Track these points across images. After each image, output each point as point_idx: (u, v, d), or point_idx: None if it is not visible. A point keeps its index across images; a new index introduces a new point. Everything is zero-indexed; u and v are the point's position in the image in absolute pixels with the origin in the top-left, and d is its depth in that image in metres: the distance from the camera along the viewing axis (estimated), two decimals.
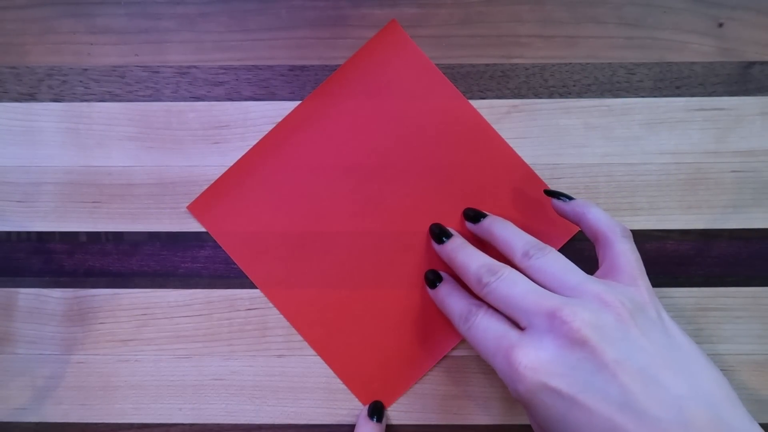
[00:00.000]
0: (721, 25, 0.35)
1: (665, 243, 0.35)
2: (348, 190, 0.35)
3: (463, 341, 0.34)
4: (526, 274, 0.29)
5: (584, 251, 0.32)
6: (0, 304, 0.35)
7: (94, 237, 0.35)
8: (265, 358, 0.35)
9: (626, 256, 0.28)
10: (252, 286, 0.35)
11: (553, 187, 0.35)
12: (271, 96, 0.35)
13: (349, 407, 0.35)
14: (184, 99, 0.35)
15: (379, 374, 0.34)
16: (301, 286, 0.35)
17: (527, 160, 0.35)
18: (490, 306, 0.29)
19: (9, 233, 0.35)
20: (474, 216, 0.33)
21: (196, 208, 0.35)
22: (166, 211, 0.35)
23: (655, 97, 0.35)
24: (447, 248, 0.32)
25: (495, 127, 0.35)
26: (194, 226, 0.35)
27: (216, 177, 0.35)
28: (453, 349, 0.35)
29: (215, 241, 0.35)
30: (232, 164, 0.35)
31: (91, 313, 0.35)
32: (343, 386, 0.35)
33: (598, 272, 0.29)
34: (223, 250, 0.35)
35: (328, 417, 0.35)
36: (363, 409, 0.34)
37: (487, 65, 0.35)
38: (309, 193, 0.34)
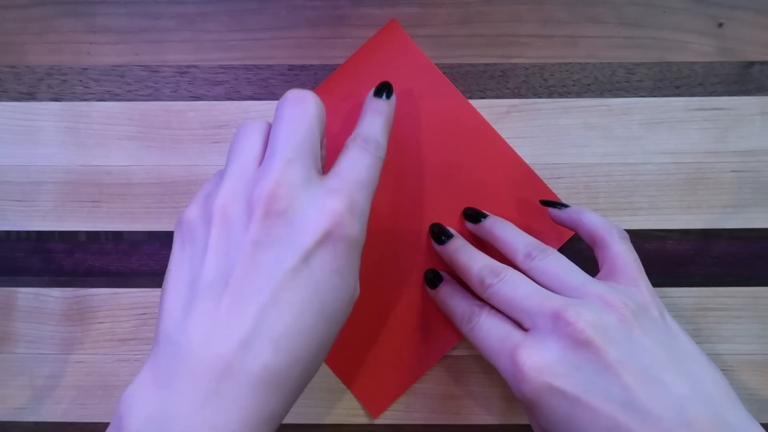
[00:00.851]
0: (720, 25, 0.35)
1: (665, 243, 0.35)
2: None
3: (462, 341, 0.34)
4: (527, 275, 0.29)
5: (583, 251, 0.32)
6: None
7: (93, 236, 0.35)
8: None
9: (625, 258, 0.29)
10: None
11: (552, 187, 0.35)
12: (271, 95, 0.35)
13: (349, 407, 0.35)
14: (184, 98, 0.35)
15: (379, 374, 0.34)
16: None
17: (527, 159, 0.35)
18: (492, 307, 0.29)
19: (8, 233, 0.35)
20: (474, 216, 0.33)
21: None
22: (165, 210, 0.35)
23: (654, 96, 0.35)
24: (448, 249, 0.32)
25: (495, 126, 0.35)
26: None
27: None
28: (453, 348, 0.34)
29: None
30: None
31: (90, 313, 0.35)
32: (343, 386, 0.35)
33: (599, 275, 0.29)
34: None
35: (328, 417, 0.35)
36: (370, 91, 0.31)
37: (486, 65, 0.35)
38: None
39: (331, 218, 0.24)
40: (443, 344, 0.34)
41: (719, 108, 0.35)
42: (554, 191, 0.35)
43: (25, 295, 0.35)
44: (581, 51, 0.35)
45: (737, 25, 0.35)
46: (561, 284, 0.28)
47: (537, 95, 0.35)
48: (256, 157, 0.26)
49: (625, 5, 0.35)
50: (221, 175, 0.26)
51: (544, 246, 0.30)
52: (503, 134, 0.35)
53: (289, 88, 0.35)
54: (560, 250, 0.34)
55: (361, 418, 0.35)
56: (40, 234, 0.35)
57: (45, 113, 0.35)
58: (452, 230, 0.33)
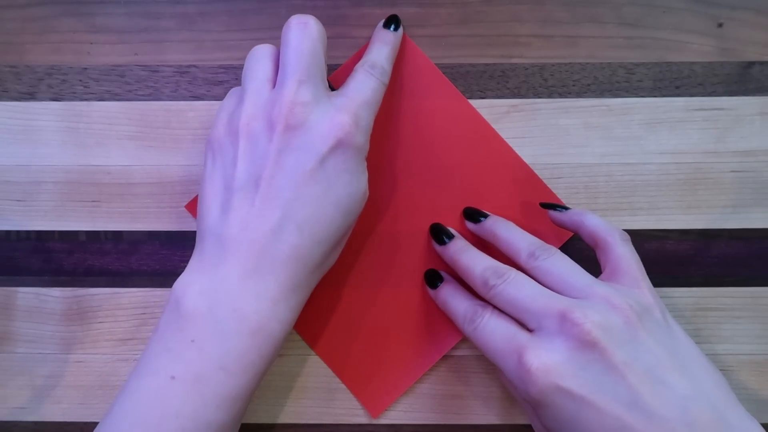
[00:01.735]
0: (720, 25, 0.35)
1: (665, 243, 0.35)
2: None
3: (463, 341, 0.34)
4: (531, 275, 0.29)
5: (584, 251, 0.32)
6: None
7: (93, 236, 0.35)
8: None
9: (627, 260, 0.29)
10: None
11: (552, 187, 0.35)
12: None
13: (348, 407, 0.35)
14: (184, 98, 0.35)
15: (379, 374, 0.34)
16: None
17: (527, 159, 0.35)
18: (494, 307, 0.29)
19: (8, 232, 0.35)
20: (474, 215, 0.33)
21: (194, 208, 0.35)
22: (165, 210, 0.35)
23: (654, 96, 0.35)
24: (449, 250, 0.32)
25: (494, 126, 0.35)
26: (193, 225, 0.35)
27: None
28: (453, 348, 0.34)
29: None
30: None
31: (90, 312, 0.35)
32: (343, 386, 0.35)
33: (601, 277, 0.30)
34: None
35: (328, 417, 0.35)
36: (379, 22, 0.34)
37: (486, 65, 0.35)
38: None
39: (340, 129, 0.28)
40: (443, 344, 0.34)
41: (719, 108, 0.35)
42: (554, 191, 0.35)
43: (25, 295, 0.35)
44: (581, 51, 0.35)
45: (737, 25, 0.35)
46: (565, 285, 0.28)
47: (537, 95, 0.35)
48: (270, 78, 0.30)
49: (625, 5, 0.35)
50: (238, 96, 0.30)
51: (548, 245, 0.30)
52: (503, 134, 0.35)
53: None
54: (560, 249, 0.34)
55: (361, 418, 0.35)
56: (40, 234, 0.35)
57: (45, 113, 0.35)
58: (453, 231, 0.33)
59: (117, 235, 0.35)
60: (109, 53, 0.35)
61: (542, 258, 0.29)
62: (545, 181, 0.35)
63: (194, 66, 0.35)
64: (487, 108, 0.35)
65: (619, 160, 0.35)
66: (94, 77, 0.35)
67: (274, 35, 0.35)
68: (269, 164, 0.27)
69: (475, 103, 0.35)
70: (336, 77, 0.35)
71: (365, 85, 0.30)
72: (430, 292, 0.34)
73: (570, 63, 0.35)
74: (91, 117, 0.35)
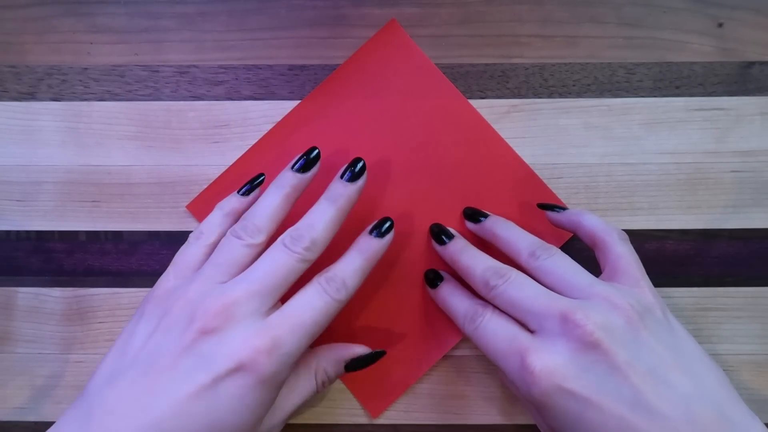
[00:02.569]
0: (720, 25, 0.35)
1: (665, 243, 0.35)
2: None
3: (463, 341, 0.34)
4: (531, 275, 0.29)
5: (584, 251, 0.32)
6: None
7: (93, 236, 0.35)
8: None
9: (626, 259, 0.29)
10: None
11: (552, 187, 0.35)
12: (271, 95, 0.35)
13: (348, 407, 0.35)
14: (184, 98, 0.35)
15: (379, 374, 0.34)
16: (300, 284, 0.35)
17: (527, 159, 0.35)
18: (495, 307, 0.29)
19: (8, 232, 0.35)
20: (474, 215, 0.33)
21: (195, 208, 0.35)
22: (165, 210, 0.35)
23: (654, 97, 0.35)
24: (450, 250, 0.32)
25: (495, 126, 0.35)
26: (193, 225, 0.35)
27: (215, 176, 0.35)
28: (453, 348, 0.34)
29: None
30: (231, 163, 0.35)
31: (90, 313, 0.35)
32: (343, 386, 0.35)
33: (601, 277, 0.29)
34: None
35: (327, 417, 0.35)
36: (366, 228, 0.30)
37: (486, 65, 0.35)
38: (308, 193, 0.34)
39: (248, 354, 0.25)
40: (443, 344, 0.34)
41: (719, 108, 0.35)
42: (554, 191, 0.35)
43: (25, 295, 0.35)
44: (581, 51, 0.35)
45: (737, 25, 0.35)
46: (567, 285, 0.28)
47: (537, 95, 0.35)
48: (232, 268, 0.28)
49: (625, 5, 0.35)
50: (196, 271, 0.29)
51: (548, 245, 0.30)
52: (503, 134, 0.35)
53: (289, 87, 0.35)
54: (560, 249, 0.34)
55: (361, 418, 0.35)
56: (40, 234, 0.35)
57: (45, 113, 0.35)
58: (453, 231, 0.33)
59: (117, 235, 0.35)
60: (109, 53, 0.35)
61: (543, 258, 0.29)
62: (545, 181, 0.35)
63: (194, 66, 0.35)
64: (487, 108, 0.35)
65: (619, 160, 0.35)
66: (94, 77, 0.35)
67: (273, 35, 0.35)
68: (168, 357, 0.25)
69: (475, 103, 0.35)
70: (326, 87, 0.35)
71: (309, 304, 0.27)
72: (431, 291, 0.34)
73: (570, 63, 0.35)
74: (91, 117, 0.35)
